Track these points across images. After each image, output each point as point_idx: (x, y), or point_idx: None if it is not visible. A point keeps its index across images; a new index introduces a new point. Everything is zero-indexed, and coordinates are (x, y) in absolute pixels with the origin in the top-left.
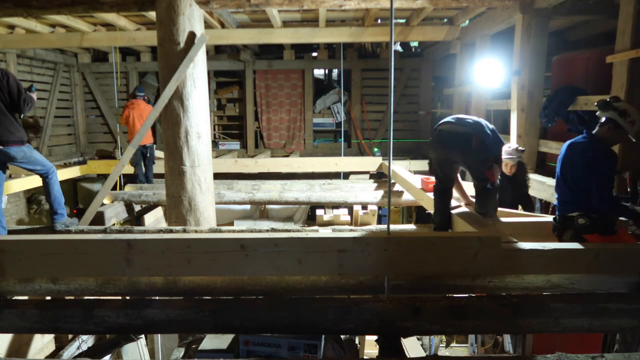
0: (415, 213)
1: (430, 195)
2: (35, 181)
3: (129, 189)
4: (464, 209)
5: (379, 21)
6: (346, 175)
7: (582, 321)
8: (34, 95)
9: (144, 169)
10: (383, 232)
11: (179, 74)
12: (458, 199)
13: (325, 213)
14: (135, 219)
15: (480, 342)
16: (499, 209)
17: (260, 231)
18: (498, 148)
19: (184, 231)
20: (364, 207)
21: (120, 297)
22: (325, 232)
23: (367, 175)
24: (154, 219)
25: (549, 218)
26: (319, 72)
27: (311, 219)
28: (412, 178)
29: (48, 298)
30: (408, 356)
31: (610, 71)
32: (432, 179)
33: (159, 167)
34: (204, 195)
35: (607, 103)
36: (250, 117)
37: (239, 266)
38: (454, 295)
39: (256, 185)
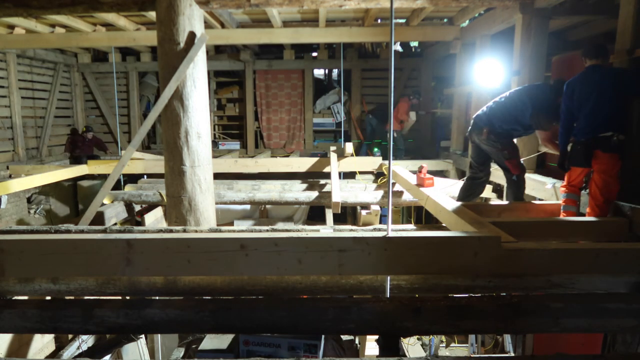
0: (415, 213)
1: (427, 191)
2: (35, 181)
3: (129, 189)
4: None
5: (379, 21)
6: (352, 175)
7: (582, 321)
8: None
9: None
10: (383, 232)
11: (179, 74)
12: None
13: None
14: (135, 219)
15: (480, 342)
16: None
17: (260, 231)
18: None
19: (184, 231)
20: (367, 207)
21: (120, 297)
22: (325, 232)
23: (371, 175)
24: (154, 219)
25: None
26: (319, 72)
27: (311, 219)
28: (412, 178)
29: (48, 298)
30: (408, 356)
31: None
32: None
33: (159, 167)
34: (204, 195)
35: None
36: (250, 117)
37: (239, 266)
38: (454, 295)
39: (256, 185)
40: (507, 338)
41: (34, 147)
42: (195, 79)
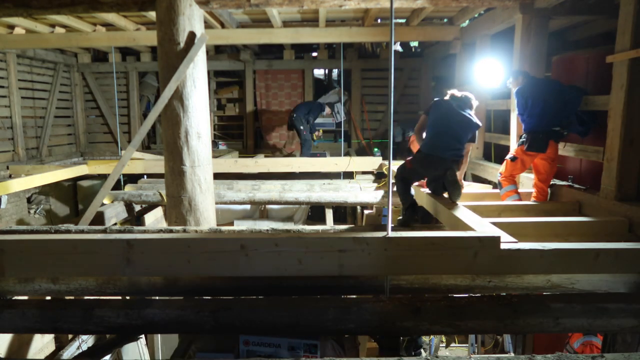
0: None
1: (427, 191)
2: (35, 181)
3: (129, 189)
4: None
5: (379, 21)
6: (352, 175)
7: (582, 321)
8: None
9: None
10: (383, 232)
11: (179, 74)
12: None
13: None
14: (135, 219)
15: (480, 342)
16: None
17: (260, 231)
18: None
19: (184, 231)
20: (370, 207)
21: (120, 297)
22: (325, 232)
23: (371, 175)
24: (154, 219)
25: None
26: (319, 72)
27: (311, 219)
28: None
29: (48, 298)
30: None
31: (610, 71)
32: None
33: (159, 167)
34: (204, 195)
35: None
36: (250, 117)
37: (239, 266)
38: (454, 295)
39: (256, 185)
40: (507, 338)
41: (34, 147)
42: (195, 79)
